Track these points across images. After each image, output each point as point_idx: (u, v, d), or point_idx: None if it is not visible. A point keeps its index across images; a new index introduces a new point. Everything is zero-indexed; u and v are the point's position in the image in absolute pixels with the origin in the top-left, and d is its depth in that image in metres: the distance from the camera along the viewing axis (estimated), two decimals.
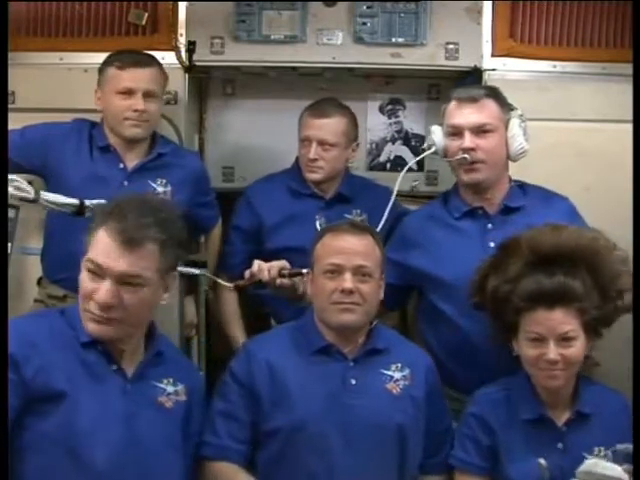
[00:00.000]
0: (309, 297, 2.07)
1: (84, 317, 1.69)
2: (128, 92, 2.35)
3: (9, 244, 2.32)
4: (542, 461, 1.77)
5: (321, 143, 2.49)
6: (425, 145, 2.30)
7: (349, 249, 1.92)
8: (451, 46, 2.65)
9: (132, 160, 2.42)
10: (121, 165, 2.41)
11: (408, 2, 2.63)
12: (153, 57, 2.45)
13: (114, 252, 1.65)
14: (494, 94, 2.20)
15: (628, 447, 1.68)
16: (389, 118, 3.02)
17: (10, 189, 2.00)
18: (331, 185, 2.57)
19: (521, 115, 2.20)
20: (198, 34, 2.64)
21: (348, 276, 1.89)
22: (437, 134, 2.22)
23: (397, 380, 1.93)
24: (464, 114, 2.15)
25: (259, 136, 2.97)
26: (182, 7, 2.65)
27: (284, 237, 2.50)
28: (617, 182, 2.48)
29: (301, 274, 2.14)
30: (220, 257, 2.65)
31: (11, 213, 2.26)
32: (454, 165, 2.19)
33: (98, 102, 2.41)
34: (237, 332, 2.60)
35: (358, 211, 2.54)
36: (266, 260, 2.30)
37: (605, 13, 2.67)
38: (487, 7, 2.65)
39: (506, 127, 2.17)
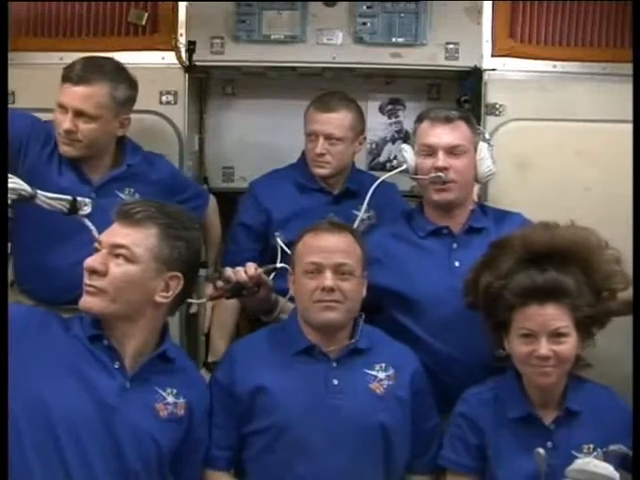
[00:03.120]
0: (276, 316, 2.09)
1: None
2: (63, 107, 2.21)
3: (9, 244, 2.32)
4: (541, 450, 1.73)
5: (328, 137, 2.47)
6: (395, 162, 2.29)
7: (328, 247, 1.92)
8: (451, 46, 2.65)
9: (98, 173, 2.30)
10: (87, 178, 2.28)
11: (408, 2, 2.63)
12: (107, 71, 2.23)
13: (114, 228, 1.75)
14: (466, 117, 2.23)
15: (621, 447, 1.67)
16: (389, 118, 3.03)
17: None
18: (338, 180, 2.56)
19: (489, 139, 2.26)
20: (198, 34, 2.64)
21: (328, 274, 1.90)
22: (408, 152, 2.23)
23: (381, 380, 1.93)
24: (438, 134, 2.16)
25: (259, 136, 2.98)
26: (182, 7, 2.65)
27: (292, 232, 2.46)
28: (617, 182, 2.47)
29: (276, 269, 2.12)
30: (225, 255, 2.61)
31: (11, 213, 2.25)
32: (424, 184, 2.19)
33: None
34: (218, 340, 2.53)
35: (366, 207, 2.53)
36: (271, 256, 2.27)
37: (605, 13, 2.68)
38: (487, 7, 2.65)
39: (475, 149, 2.20)
